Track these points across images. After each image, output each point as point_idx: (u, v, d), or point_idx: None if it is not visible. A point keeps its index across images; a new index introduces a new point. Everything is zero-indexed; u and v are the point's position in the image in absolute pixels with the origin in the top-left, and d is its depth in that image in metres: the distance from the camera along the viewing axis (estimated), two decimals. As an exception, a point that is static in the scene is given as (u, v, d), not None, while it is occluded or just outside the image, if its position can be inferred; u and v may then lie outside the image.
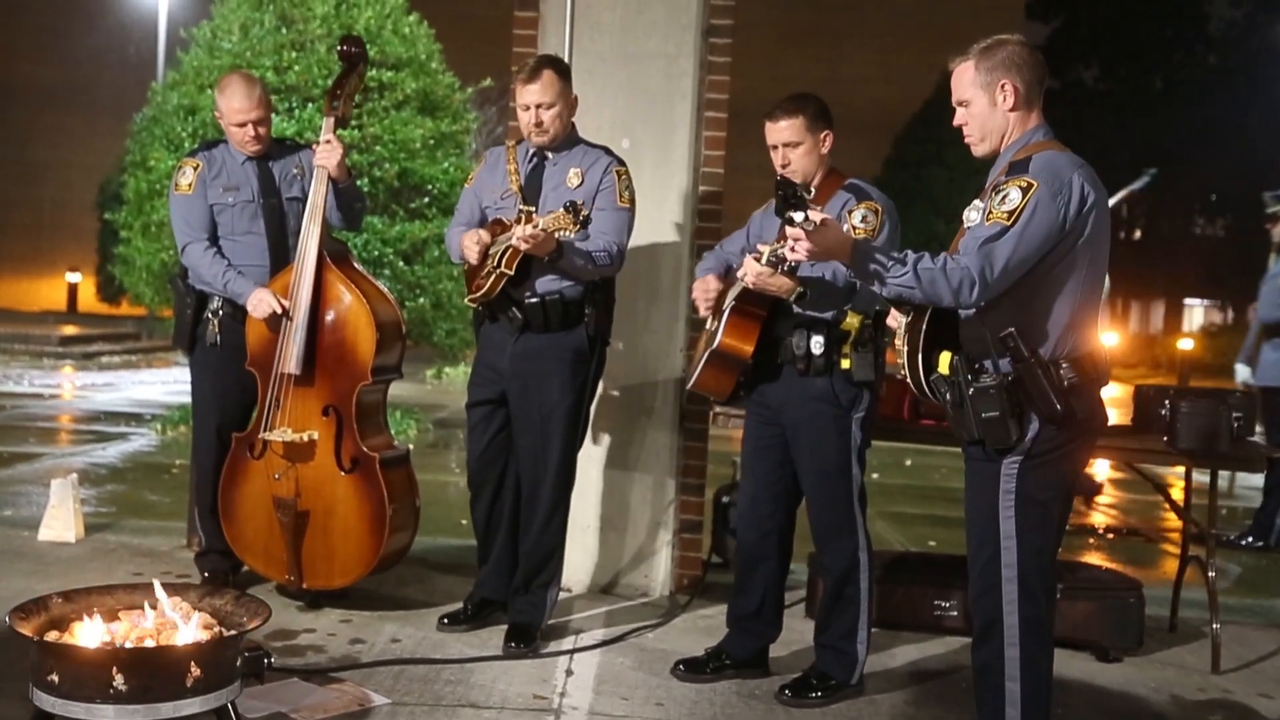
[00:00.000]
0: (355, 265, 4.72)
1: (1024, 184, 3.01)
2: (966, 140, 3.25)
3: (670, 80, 5.18)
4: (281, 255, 4.73)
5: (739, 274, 3.97)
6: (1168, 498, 5.19)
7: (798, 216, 3.12)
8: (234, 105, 4.65)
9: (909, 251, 3.11)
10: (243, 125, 4.66)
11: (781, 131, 4.01)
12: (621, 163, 4.42)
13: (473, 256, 4.27)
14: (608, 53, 5.19)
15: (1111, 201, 5.10)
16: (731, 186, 5.35)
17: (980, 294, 3.01)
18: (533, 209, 4.23)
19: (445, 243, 4.61)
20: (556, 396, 4.34)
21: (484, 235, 4.27)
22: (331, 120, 4.65)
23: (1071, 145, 3.21)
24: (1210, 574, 4.71)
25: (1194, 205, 37.23)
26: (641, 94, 5.19)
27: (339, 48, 4.76)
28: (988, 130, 3.19)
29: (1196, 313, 39.08)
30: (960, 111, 3.23)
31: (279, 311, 4.49)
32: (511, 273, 4.19)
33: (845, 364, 3.95)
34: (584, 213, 3.96)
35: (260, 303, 4.52)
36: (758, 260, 3.77)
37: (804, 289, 3.80)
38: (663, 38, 5.17)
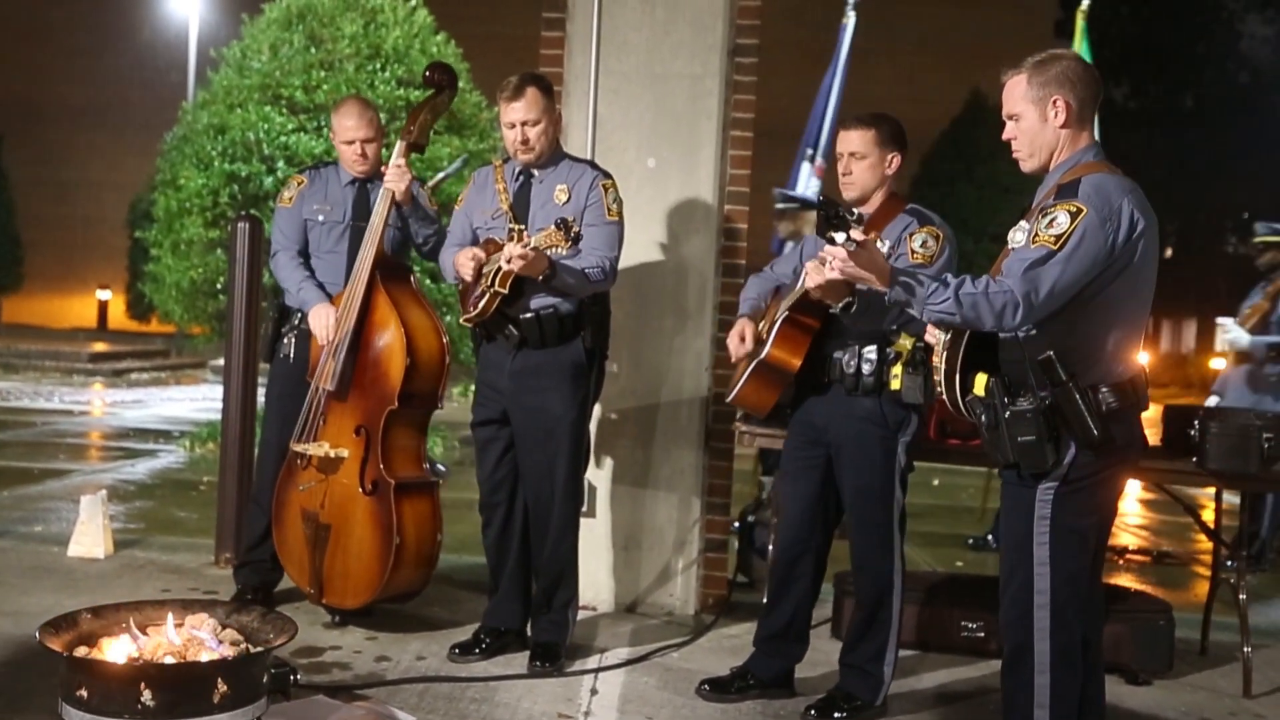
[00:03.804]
0: (411, 289, 4.67)
1: (1073, 209, 2.95)
2: (1015, 155, 3.17)
3: (696, 100, 5.19)
4: None
5: (805, 279, 3.81)
6: (1198, 519, 5.15)
7: (839, 237, 3.11)
8: (345, 124, 4.78)
9: (949, 275, 3.07)
10: (350, 143, 4.77)
11: (851, 141, 3.99)
12: (608, 175, 4.39)
13: (467, 274, 4.25)
14: (634, 73, 5.21)
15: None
16: (757, 206, 5.35)
17: (1024, 318, 2.96)
18: (523, 227, 4.22)
19: (440, 265, 4.58)
20: (559, 412, 4.32)
21: (479, 253, 4.26)
22: (403, 144, 4.64)
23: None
24: (1241, 596, 4.67)
25: (1226, 223, 36.93)
26: (667, 114, 5.21)
27: (424, 73, 4.81)
28: (1036, 146, 3.12)
29: (1229, 331, 38.66)
30: (1010, 125, 3.15)
31: (330, 329, 4.57)
32: (506, 291, 4.18)
33: (895, 385, 3.92)
34: (574, 229, 3.96)
35: (318, 318, 4.61)
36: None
37: (853, 299, 3.66)
38: (689, 58, 5.19)
